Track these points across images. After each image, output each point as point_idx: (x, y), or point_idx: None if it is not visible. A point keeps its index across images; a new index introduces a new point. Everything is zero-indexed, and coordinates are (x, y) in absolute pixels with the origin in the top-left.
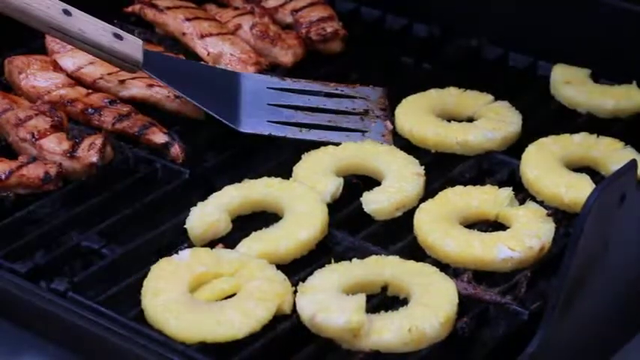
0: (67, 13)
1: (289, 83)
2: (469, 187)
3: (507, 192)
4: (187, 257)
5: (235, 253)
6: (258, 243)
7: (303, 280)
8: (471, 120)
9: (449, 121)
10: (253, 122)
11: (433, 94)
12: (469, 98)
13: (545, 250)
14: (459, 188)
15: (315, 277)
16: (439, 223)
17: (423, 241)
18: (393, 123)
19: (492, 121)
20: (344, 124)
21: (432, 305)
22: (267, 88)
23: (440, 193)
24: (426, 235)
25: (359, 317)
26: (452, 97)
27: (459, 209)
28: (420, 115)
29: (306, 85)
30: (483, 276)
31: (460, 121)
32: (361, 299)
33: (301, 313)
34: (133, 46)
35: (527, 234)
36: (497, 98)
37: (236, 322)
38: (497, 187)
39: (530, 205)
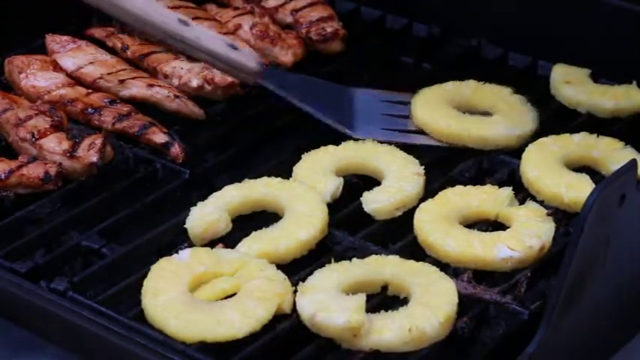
0: (184, 23)
1: (400, 96)
2: (469, 187)
3: (507, 192)
4: (187, 257)
5: (235, 253)
6: (258, 243)
7: (303, 279)
8: (487, 113)
9: (464, 113)
10: (368, 129)
11: (450, 86)
12: (487, 91)
13: (545, 249)
14: (459, 188)
15: (315, 277)
16: (439, 222)
17: (423, 241)
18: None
19: (508, 118)
20: None
21: (432, 305)
22: (381, 101)
23: (440, 192)
24: (426, 234)
25: (359, 317)
26: (470, 89)
27: (458, 209)
28: (435, 105)
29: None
30: (483, 276)
31: (477, 114)
32: (361, 299)
33: (301, 313)
34: (248, 56)
35: (527, 234)
36: None
37: (236, 321)
38: (497, 186)
39: (530, 204)
